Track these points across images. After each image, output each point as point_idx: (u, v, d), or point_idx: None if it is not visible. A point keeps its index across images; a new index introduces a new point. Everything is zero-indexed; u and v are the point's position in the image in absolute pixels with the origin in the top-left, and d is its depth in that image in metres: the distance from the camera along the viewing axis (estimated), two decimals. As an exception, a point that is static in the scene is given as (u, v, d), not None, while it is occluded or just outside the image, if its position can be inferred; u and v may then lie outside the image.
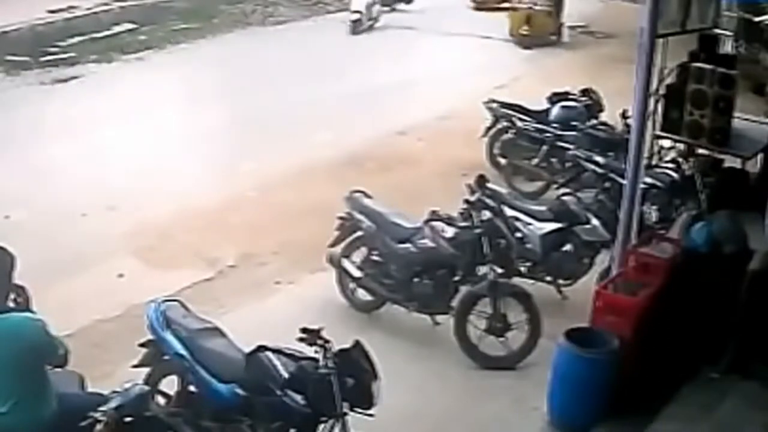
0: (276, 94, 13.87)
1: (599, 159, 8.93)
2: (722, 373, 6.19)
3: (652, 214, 8.15)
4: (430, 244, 7.27)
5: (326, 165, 10.94)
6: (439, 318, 7.29)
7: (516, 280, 7.42)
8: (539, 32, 17.97)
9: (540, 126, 10.32)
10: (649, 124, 7.77)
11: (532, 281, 7.65)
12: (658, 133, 8.78)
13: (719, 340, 6.21)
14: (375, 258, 7.57)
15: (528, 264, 7.78)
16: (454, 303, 7.17)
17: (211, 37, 17.43)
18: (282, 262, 8.67)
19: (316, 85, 13.88)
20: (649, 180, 8.05)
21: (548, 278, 7.81)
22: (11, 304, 4.73)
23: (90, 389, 5.21)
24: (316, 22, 19.59)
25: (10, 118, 12.00)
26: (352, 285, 7.69)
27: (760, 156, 8.97)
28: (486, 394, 6.61)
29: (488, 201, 7.50)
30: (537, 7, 18.35)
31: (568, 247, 7.84)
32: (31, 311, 4.82)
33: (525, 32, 17.95)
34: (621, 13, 18.26)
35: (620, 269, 6.54)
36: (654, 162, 9.05)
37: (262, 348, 5.30)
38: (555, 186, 9.74)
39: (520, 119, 10.46)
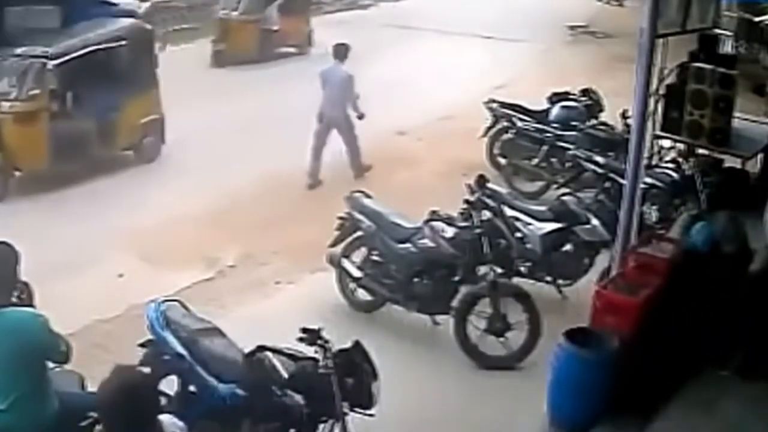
0: (276, 94, 13.91)
1: (599, 159, 8.94)
2: (732, 374, 6.17)
3: (652, 214, 8.15)
4: (430, 244, 7.26)
5: (326, 164, 10.95)
6: (439, 318, 7.28)
7: (516, 280, 7.42)
8: (240, 48, 15.73)
9: (540, 126, 10.33)
10: (649, 124, 7.76)
11: (532, 281, 7.65)
12: (658, 133, 8.78)
13: (719, 341, 6.19)
14: (375, 258, 7.57)
15: (528, 264, 7.77)
16: (454, 303, 7.17)
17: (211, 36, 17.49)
18: (282, 262, 8.68)
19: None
20: (649, 180, 8.05)
21: (548, 278, 7.80)
22: (15, 300, 4.71)
23: (90, 389, 5.21)
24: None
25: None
26: (352, 285, 7.69)
27: (760, 156, 8.98)
28: (486, 394, 6.60)
29: (488, 201, 7.50)
30: (234, 15, 15.98)
31: (568, 247, 7.84)
32: (34, 308, 4.80)
33: (219, 48, 15.82)
34: (621, 13, 18.31)
35: (620, 269, 6.53)
36: (654, 162, 9.06)
37: (262, 348, 5.29)
38: (555, 186, 9.76)
39: (520, 119, 10.46)
